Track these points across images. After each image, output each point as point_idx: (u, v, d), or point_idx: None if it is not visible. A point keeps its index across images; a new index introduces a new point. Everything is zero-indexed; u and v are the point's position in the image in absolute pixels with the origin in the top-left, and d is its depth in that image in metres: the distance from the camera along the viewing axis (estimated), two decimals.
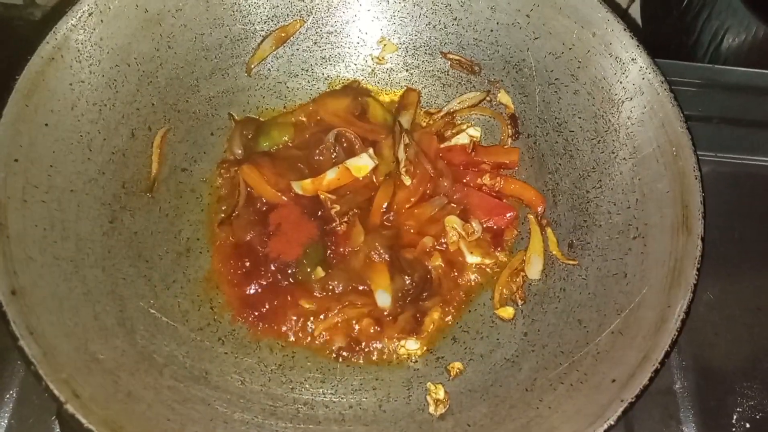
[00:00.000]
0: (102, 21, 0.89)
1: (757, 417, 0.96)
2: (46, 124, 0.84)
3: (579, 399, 0.75)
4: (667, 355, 0.72)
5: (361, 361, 0.90)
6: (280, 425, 0.81)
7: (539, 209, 0.98)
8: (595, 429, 0.69)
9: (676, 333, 0.72)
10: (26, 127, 0.81)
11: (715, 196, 1.11)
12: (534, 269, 0.94)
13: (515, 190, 1.00)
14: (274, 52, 1.05)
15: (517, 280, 0.93)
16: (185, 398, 0.79)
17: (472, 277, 0.96)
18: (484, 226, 0.98)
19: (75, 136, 0.87)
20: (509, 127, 1.04)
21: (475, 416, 0.81)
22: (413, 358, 0.90)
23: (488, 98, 1.06)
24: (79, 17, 0.87)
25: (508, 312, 0.92)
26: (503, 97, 1.05)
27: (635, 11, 1.57)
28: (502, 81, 1.05)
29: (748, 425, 0.95)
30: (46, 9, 1.30)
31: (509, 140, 1.04)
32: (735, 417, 0.96)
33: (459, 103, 1.07)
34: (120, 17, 0.91)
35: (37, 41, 0.84)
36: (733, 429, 0.95)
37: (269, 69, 1.06)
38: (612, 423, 0.69)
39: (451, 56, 1.07)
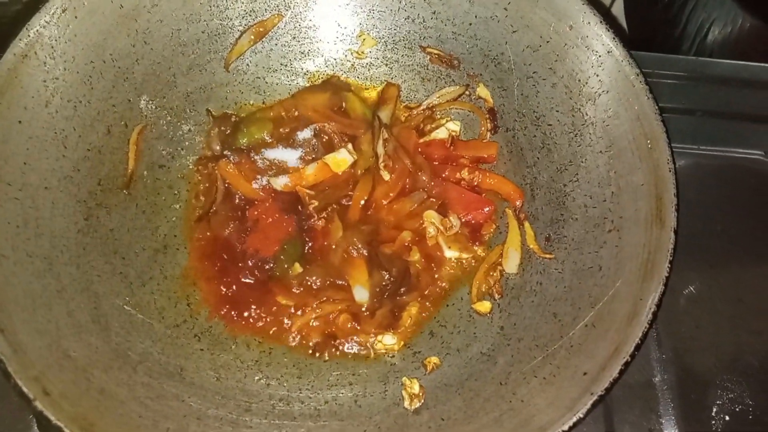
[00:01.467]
0: (76, 17, 0.88)
1: (737, 410, 0.95)
2: (20, 121, 0.83)
3: (551, 392, 0.75)
4: (638, 347, 0.71)
5: (338, 357, 0.90)
6: (254, 421, 0.81)
7: (517, 203, 0.98)
8: (566, 422, 0.69)
9: (647, 325, 0.72)
10: None
11: (697, 189, 1.12)
12: (511, 263, 0.94)
13: (494, 184, 1.00)
14: (253, 47, 1.05)
15: (495, 274, 0.93)
16: (159, 395, 0.79)
17: (450, 271, 0.96)
18: (463, 220, 0.98)
19: (49, 133, 0.86)
20: (488, 121, 1.03)
21: (449, 410, 0.81)
22: (390, 353, 0.90)
23: (467, 92, 1.06)
24: (53, 13, 0.86)
25: (485, 306, 0.92)
26: (482, 91, 1.04)
27: (619, 4, 1.56)
28: (481, 75, 1.04)
29: (727, 417, 0.95)
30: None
31: (488, 134, 1.04)
32: (715, 410, 0.95)
33: (438, 97, 1.06)
34: (94, 13, 0.90)
35: (10, 38, 0.84)
36: (713, 422, 0.95)
37: (247, 64, 1.06)
38: (581, 416, 0.69)
39: (430, 50, 1.06)
